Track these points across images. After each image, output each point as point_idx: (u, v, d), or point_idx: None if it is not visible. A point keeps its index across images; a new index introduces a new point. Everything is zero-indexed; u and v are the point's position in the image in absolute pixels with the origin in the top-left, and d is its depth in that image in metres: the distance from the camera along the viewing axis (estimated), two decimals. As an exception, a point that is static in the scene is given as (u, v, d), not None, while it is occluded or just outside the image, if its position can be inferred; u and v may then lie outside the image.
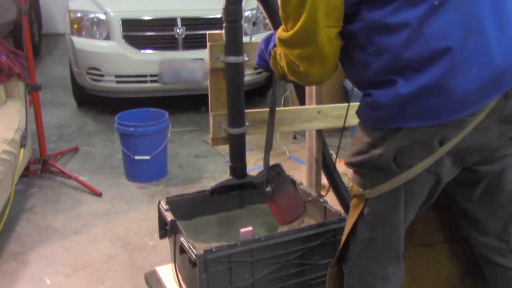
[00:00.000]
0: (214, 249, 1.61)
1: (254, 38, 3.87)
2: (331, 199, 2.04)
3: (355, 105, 1.34)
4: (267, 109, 1.90)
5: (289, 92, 3.56)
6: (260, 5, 1.92)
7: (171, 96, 4.24)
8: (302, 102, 2.23)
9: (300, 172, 2.47)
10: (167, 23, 4.04)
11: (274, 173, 1.75)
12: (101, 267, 2.34)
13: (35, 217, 2.77)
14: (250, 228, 1.87)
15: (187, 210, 1.98)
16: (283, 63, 1.34)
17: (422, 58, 1.12)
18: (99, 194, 3.01)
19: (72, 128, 4.16)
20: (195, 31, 4.02)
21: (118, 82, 4.08)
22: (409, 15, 1.12)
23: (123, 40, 4.02)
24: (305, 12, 1.16)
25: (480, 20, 1.12)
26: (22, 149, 2.72)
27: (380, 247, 1.34)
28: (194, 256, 1.59)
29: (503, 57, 1.14)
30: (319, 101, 2.19)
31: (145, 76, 4.06)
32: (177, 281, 1.89)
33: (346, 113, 1.63)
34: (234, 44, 1.81)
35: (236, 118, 1.90)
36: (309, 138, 2.28)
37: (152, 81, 4.07)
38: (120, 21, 4.01)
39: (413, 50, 1.12)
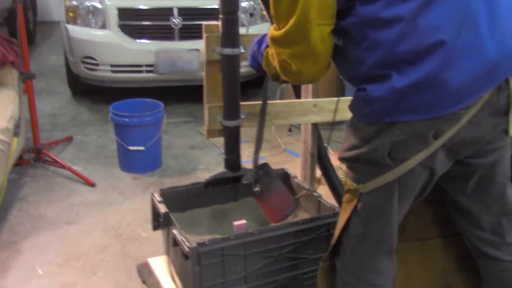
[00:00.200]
0: (207, 242, 1.60)
1: (251, 29, 3.86)
2: (325, 193, 2.04)
3: (347, 99, 1.33)
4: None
5: (285, 85, 3.54)
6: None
7: (166, 86, 4.22)
8: (298, 95, 2.22)
9: (294, 165, 2.47)
10: (164, 12, 4.01)
11: (262, 172, 1.77)
12: (93, 257, 2.33)
13: (28, 207, 2.76)
14: (243, 221, 1.87)
15: (180, 202, 1.97)
16: (275, 63, 1.34)
17: (417, 52, 1.12)
18: (92, 184, 3.00)
19: (66, 117, 4.13)
20: (191, 21, 3.99)
21: (113, 71, 4.05)
22: (403, 9, 1.12)
23: (119, 29, 3.99)
24: (298, 10, 1.16)
25: (473, 13, 1.13)
26: (15, 138, 2.71)
27: (374, 242, 1.34)
28: (187, 249, 1.59)
29: (496, 49, 1.14)
30: (315, 95, 2.18)
31: (141, 66, 4.03)
32: (169, 273, 1.89)
33: (336, 107, 1.62)
34: (230, 36, 1.80)
35: (231, 110, 1.89)
36: (305, 131, 2.27)
37: (147, 71, 4.04)
38: (116, 10, 3.97)
39: (408, 44, 1.12)
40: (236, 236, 1.66)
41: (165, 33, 4.03)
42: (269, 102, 1.94)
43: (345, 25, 1.19)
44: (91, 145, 3.59)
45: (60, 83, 4.86)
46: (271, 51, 1.35)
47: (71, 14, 4.13)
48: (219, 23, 1.80)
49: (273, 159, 3.25)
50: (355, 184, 1.30)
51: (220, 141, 2.24)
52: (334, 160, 2.32)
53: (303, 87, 2.19)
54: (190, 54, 3.96)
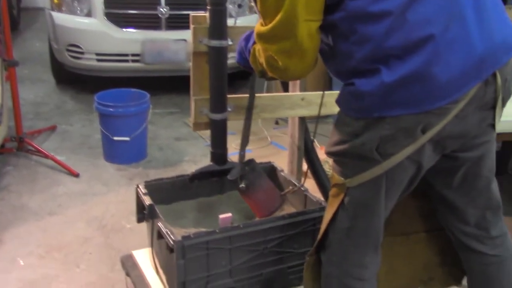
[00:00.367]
0: (192, 235, 1.59)
1: (239, 20, 3.82)
2: (311, 187, 2.03)
3: (334, 93, 1.32)
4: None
5: (272, 78, 3.53)
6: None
7: (152, 76, 4.18)
8: (286, 89, 2.21)
9: (281, 158, 2.46)
10: (151, 1, 3.96)
11: (248, 168, 1.76)
12: (76, 249, 2.31)
13: (10, 196, 2.72)
14: (229, 215, 1.86)
15: (166, 194, 1.95)
16: (262, 59, 1.33)
17: (406, 46, 1.12)
18: (76, 175, 2.96)
19: (50, 106, 4.07)
20: (179, 11, 3.94)
21: (98, 60, 4.01)
22: (392, 3, 1.12)
23: (105, 18, 3.93)
24: (285, 5, 1.14)
25: (460, 7, 1.13)
26: (-3, 127, 2.66)
27: (360, 236, 1.35)
28: (171, 242, 1.58)
29: (484, 43, 1.15)
30: (303, 88, 2.17)
31: (127, 55, 3.99)
32: (153, 266, 1.87)
33: (321, 101, 1.61)
34: (218, 28, 1.77)
35: (218, 103, 1.87)
36: (292, 125, 2.26)
37: (133, 61, 4.00)
38: (102, -3, 3.91)
39: (397, 38, 1.12)
40: (222, 229, 1.65)
41: (152, 22, 3.98)
42: (256, 95, 1.92)
43: (334, 20, 1.18)
44: (75, 135, 3.55)
45: (44, 71, 4.78)
46: (258, 47, 1.34)
47: (56, 1, 4.06)
48: (207, 14, 1.78)
49: (259, 152, 3.24)
50: (342, 179, 1.30)
51: (206, 133, 2.22)
52: (321, 154, 2.31)
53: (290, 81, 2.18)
54: (177, 44, 3.92)
